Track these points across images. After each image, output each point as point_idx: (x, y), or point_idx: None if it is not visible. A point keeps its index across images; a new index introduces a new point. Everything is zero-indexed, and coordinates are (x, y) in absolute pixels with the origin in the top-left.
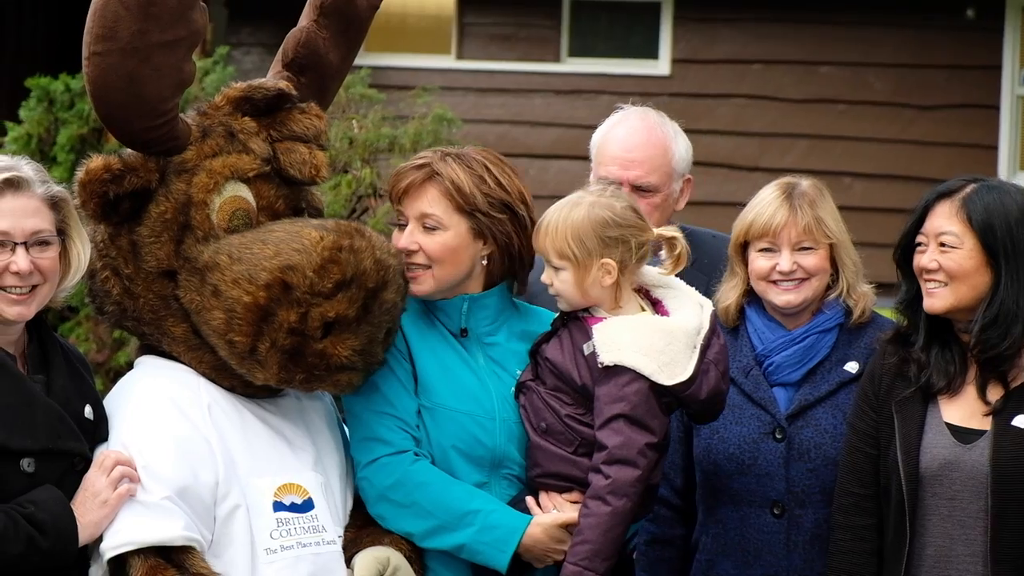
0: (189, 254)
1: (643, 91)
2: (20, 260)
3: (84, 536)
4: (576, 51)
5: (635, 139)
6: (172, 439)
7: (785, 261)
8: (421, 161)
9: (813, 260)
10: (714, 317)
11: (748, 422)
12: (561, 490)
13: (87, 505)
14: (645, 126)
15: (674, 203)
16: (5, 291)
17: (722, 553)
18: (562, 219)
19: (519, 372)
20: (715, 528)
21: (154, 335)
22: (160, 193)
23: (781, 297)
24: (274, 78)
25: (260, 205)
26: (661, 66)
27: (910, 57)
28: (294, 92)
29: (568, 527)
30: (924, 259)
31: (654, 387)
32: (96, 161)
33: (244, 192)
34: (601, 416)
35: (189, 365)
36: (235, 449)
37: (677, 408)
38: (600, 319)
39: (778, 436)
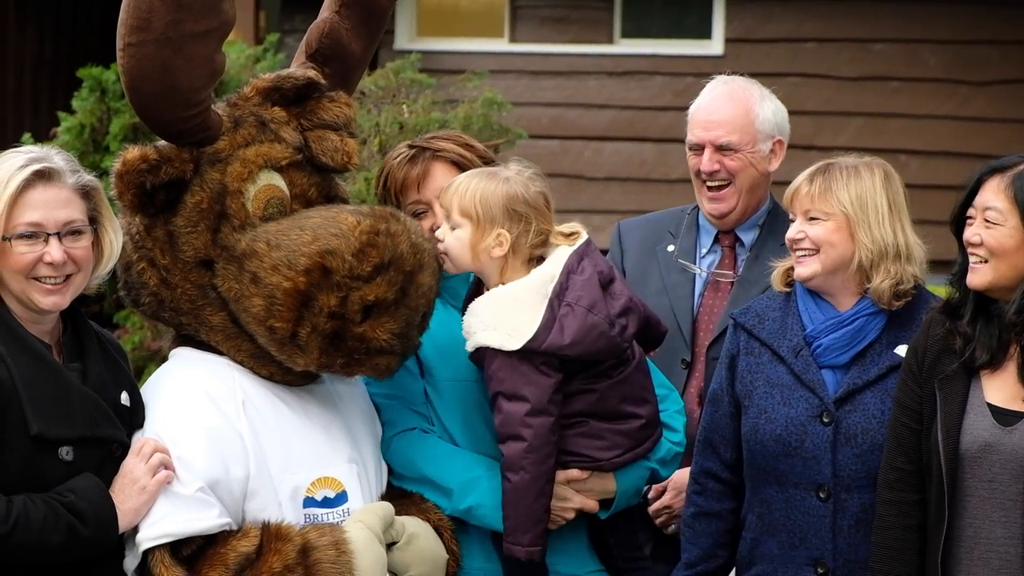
0: (226, 242)
1: (696, 71)
2: (54, 251)
3: (124, 523)
4: (629, 32)
5: (717, 102)
6: (205, 432)
7: (793, 228)
8: (413, 150)
9: (818, 231)
10: (574, 255)
11: (796, 404)
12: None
13: (126, 492)
14: (728, 90)
15: (763, 163)
16: (40, 281)
17: (767, 533)
18: (475, 182)
19: None
20: (760, 507)
21: (192, 325)
22: (195, 183)
23: (796, 270)
24: (300, 68)
25: (293, 193)
26: (714, 46)
27: (964, 33)
28: (323, 81)
29: (572, 483)
30: (968, 232)
31: (515, 355)
32: (133, 152)
33: (278, 180)
34: (489, 402)
35: (227, 354)
36: (268, 444)
37: (558, 363)
38: None
39: (825, 419)
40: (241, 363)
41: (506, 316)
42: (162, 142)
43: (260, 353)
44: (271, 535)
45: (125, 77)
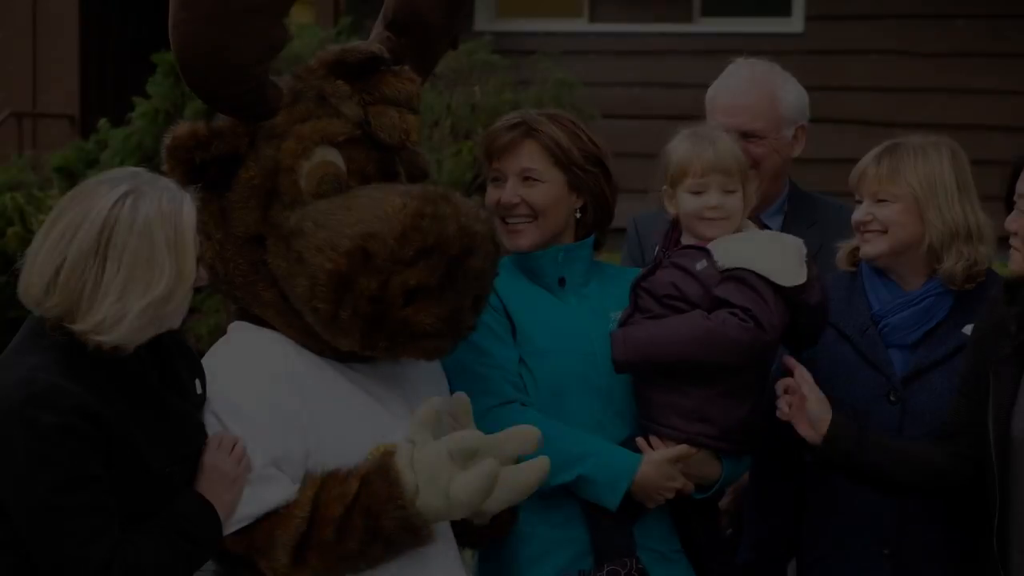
0: (276, 220)
1: (777, 49)
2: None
3: (222, 519)
4: (709, 11)
5: (740, 88)
6: (265, 410)
7: (860, 211)
8: (515, 120)
9: (887, 212)
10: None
11: (863, 383)
12: (669, 436)
13: (216, 489)
14: (750, 75)
15: (787, 149)
16: None
17: (831, 514)
18: (729, 141)
19: (614, 315)
20: (824, 488)
21: (246, 299)
22: (250, 158)
23: (863, 248)
24: (373, 40)
25: (351, 169)
26: (795, 23)
27: None
28: (386, 55)
29: (679, 462)
30: (1008, 219)
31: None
32: (183, 128)
33: (334, 157)
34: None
35: (280, 330)
36: (325, 419)
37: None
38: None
39: (892, 399)
40: (294, 339)
41: (776, 255)
42: (220, 116)
43: (311, 330)
44: (321, 488)
45: (176, 54)
